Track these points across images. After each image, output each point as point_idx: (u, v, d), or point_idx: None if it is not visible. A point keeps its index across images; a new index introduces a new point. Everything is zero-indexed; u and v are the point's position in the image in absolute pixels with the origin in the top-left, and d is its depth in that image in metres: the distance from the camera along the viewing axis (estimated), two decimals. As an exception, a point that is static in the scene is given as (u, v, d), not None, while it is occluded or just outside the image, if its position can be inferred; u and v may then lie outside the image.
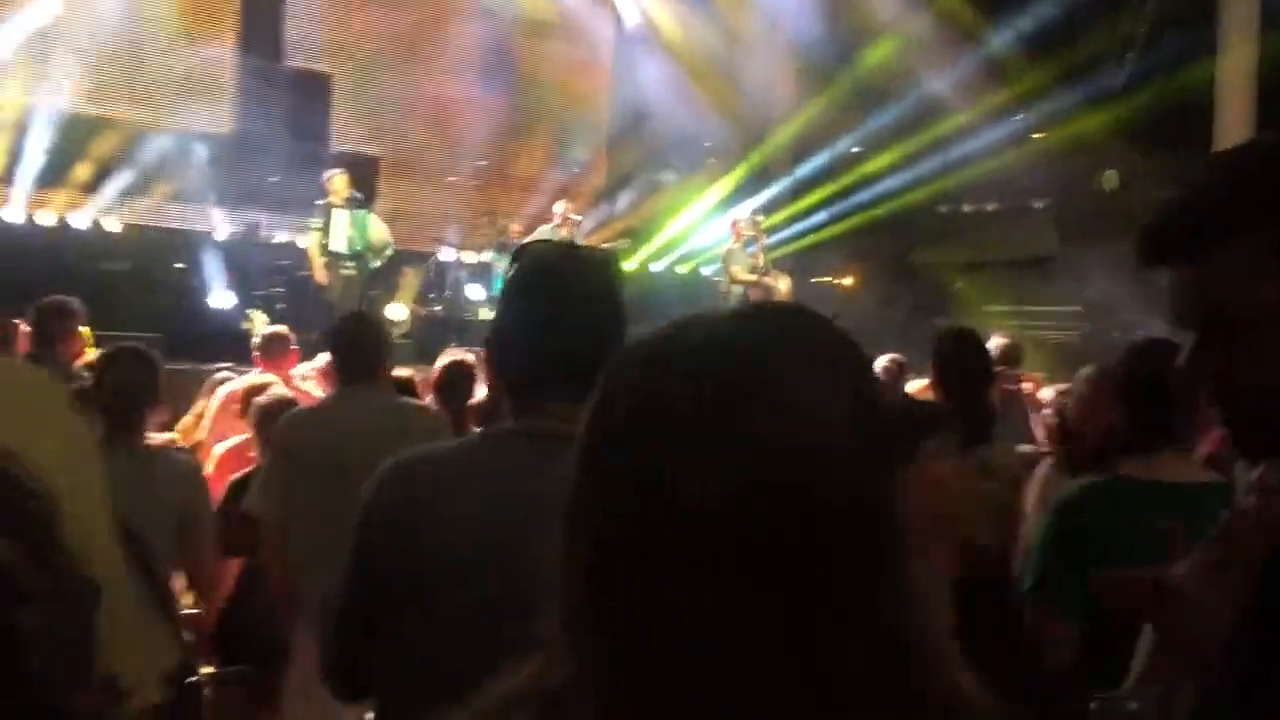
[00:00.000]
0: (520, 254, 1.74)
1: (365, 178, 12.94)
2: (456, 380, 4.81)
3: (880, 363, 6.13)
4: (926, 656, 0.73)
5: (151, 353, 3.60)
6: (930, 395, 3.90)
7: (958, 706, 0.74)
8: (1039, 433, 5.12)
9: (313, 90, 13.93)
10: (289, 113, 13.53)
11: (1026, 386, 6.28)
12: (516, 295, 1.70)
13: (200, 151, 12.57)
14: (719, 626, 0.70)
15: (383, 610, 1.66)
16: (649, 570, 0.71)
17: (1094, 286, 12.05)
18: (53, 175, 11.69)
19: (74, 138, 11.68)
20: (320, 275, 10.42)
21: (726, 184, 15.31)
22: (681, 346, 0.76)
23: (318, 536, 3.16)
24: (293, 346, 6.20)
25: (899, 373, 6.18)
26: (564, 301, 1.62)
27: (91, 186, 11.89)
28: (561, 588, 0.77)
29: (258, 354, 6.12)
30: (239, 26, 13.47)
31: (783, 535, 0.69)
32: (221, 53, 13.31)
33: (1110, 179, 13.94)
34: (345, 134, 14.20)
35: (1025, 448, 4.40)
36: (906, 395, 5.46)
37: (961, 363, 3.67)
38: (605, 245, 12.95)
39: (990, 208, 15.92)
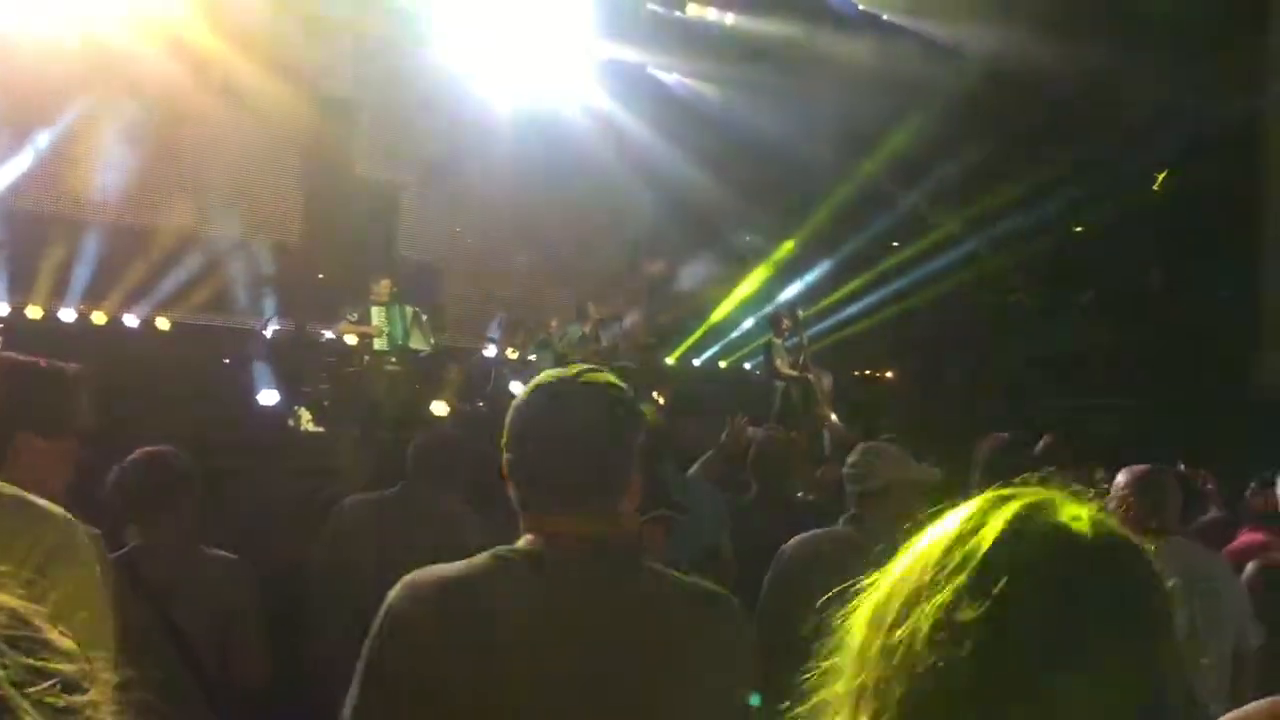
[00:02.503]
0: (533, 380, 1.89)
1: (427, 284, 13.32)
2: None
3: None
4: None
5: (179, 458, 3.65)
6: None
7: None
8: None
9: (380, 200, 14.31)
10: (354, 222, 13.99)
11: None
12: (522, 418, 1.82)
13: (259, 255, 12.90)
14: None
15: None
16: None
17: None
18: (106, 279, 11.99)
19: (126, 244, 12.05)
20: (377, 331, 10.45)
21: (765, 272, 15.36)
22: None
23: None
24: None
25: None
26: (567, 427, 1.75)
27: (145, 289, 12.14)
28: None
29: None
30: (309, 140, 13.89)
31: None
32: (289, 164, 13.73)
33: (1156, 274, 13.86)
34: (409, 241, 14.58)
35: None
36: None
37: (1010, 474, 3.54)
38: (643, 340, 13.03)
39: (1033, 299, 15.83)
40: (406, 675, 1.67)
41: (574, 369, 1.85)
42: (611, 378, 1.84)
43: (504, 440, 1.82)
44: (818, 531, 3.62)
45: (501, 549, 1.77)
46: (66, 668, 0.66)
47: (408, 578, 1.75)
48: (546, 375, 1.86)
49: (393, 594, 1.74)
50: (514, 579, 1.68)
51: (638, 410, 1.83)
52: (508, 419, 1.84)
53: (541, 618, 1.64)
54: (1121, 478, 3.81)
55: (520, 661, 1.61)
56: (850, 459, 3.68)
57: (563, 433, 1.74)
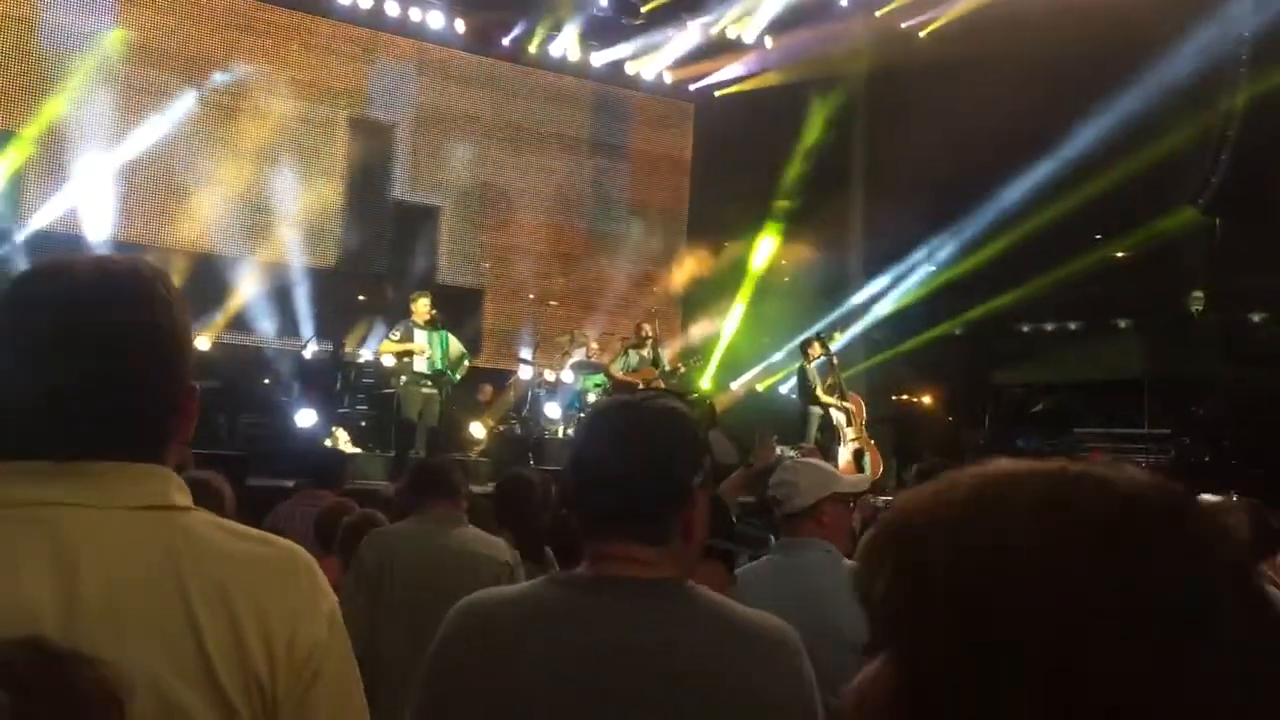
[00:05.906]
0: (598, 400, 1.84)
1: (466, 307, 13.45)
2: (513, 495, 4.68)
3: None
4: None
5: (217, 483, 3.64)
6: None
7: None
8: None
9: (419, 222, 14.51)
10: (393, 244, 14.26)
11: None
12: (583, 439, 1.79)
13: (300, 280, 13.10)
14: None
15: None
16: None
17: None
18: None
19: (165, 266, 12.20)
20: (419, 349, 10.41)
21: (802, 297, 15.35)
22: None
23: (396, 658, 3.24)
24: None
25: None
26: (626, 448, 1.70)
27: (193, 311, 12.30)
28: None
29: None
30: (348, 165, 14.10)
31: None
32: (331, 190, 13.93)
33: (1196, 300, 13.66)
34: (448, 263, 14.74)
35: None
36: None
37: None
38: (681, 365, 13.01)
39: (1073, 326, 15.69)
40: (456, 694, 1.68)
41: (639, 393, 1.81)
42: (678, 403, 1.79)
43: (567, 464, 1.81)
44: (752, 564, 3.34)
45: (559, 574, 1.78)
46: None
47: (465, 599, 1.76)
48: (611, 400, 1.83)
49: (450, 614, 1.74)
50: (565, 605, 1.68)
51: (703, 438, 1.78)
52: (572, 442, 1.80)
53: (588, 646, 1.62)
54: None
55: (560, 689, 1.60)
56: (773, 478, 3.38)
57: (624, 458, 1.69)
